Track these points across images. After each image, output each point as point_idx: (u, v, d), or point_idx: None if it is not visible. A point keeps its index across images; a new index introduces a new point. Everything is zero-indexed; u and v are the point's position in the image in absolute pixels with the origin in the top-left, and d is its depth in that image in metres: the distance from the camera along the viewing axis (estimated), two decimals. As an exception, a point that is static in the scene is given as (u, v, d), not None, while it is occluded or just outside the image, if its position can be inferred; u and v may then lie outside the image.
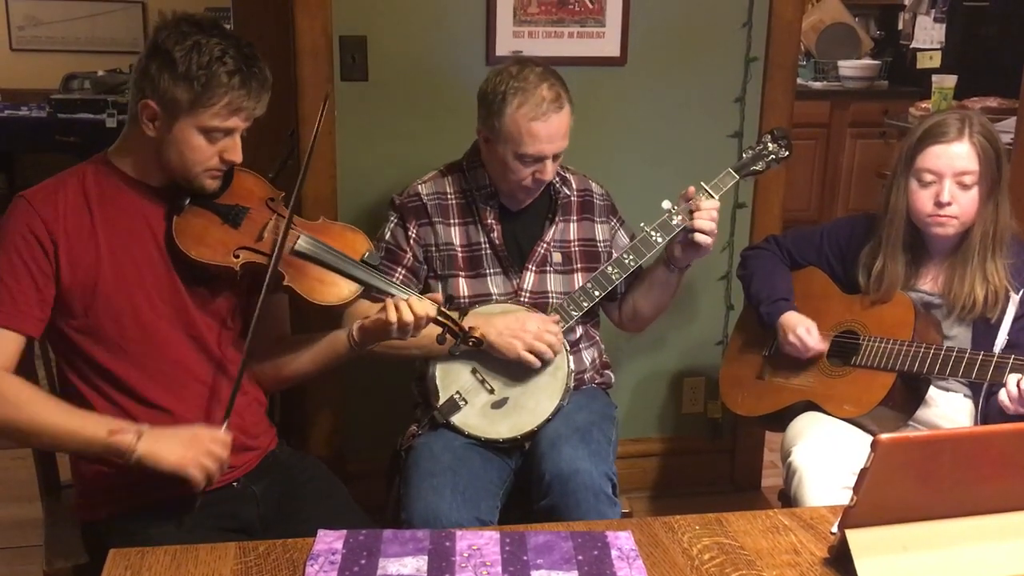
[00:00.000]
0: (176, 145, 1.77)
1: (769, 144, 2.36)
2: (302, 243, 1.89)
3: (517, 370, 2.16)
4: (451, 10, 2.69)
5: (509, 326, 2.12)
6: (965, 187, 2.13)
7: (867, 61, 6.13)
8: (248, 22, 2.95)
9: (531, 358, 2.12)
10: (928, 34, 5.79)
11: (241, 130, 1.80)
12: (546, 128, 2.11)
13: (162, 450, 1.68)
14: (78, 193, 1.80)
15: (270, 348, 2.00)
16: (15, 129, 5.80)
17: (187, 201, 1.84)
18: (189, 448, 1.69)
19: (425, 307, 1.86)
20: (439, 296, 1.93)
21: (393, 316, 1.84)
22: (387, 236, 2.27)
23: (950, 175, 2.13)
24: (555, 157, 2.16)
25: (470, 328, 1.94)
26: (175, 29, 1.75)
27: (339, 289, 1.91)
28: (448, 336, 1.92)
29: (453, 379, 2.17)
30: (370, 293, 1.95)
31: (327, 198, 2.69)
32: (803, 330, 2.25)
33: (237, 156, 1.81)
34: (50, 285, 1.76)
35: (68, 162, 1.90)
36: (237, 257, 1.84)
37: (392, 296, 1.87)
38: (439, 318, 1.90)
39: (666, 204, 2.22)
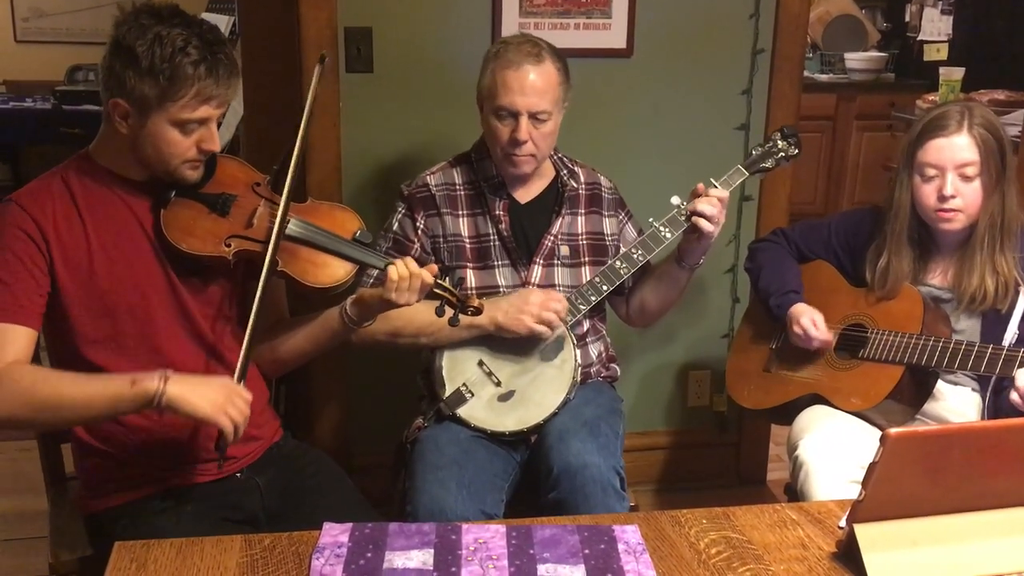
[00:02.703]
0: (151, 140, 1.75)
1: (779, 142, 2.35)
2: (292, 226, 1.88)
3: (524, 362, 2.16)
4: (457, 1, 2.68)
5: (513, 304, 2.12)
6: (968, 179, 2.12)
7: (874, 53, 6.11)
8: (253, 13, 2.94)
9: (542, 328, 2.11)
10: (935, 26, 5.78)
11: (215, 118, 1.78)
12: (518, 78, 2.10)
13: (191, 395, 1.64)
14: (64, 192, 1.79)
15: (268, 331, 2.00)
16: (20, 121, 5.80)
17: (173, 194, 1.82)
18: (218, 395, 1.66)
19: (421, 270, 1.88)
20: (434, 267, 1.93)
21: (395, 274, 1.86)
22: (395, 227, 2.26)
23: (952, 168, 2.11)
24: (535, 119, 2.12)
25: (468, 296, 1.94)
26: (135, 22, 1.71)
27: (333, 270, 1.90)
28: (446, 307, 1.92)
29: (459, 371, 2.16)
30: (364, 271, 1.95)
31: (332, 190, 2.69)
32: (807, 320, 2.24)
33: (215, 145, 1.79)
34: (46, 280, 1.75)
35: (72, 154, 1.89)
36: (228, 246, 1.83)
37: (383, 269, 1.89)
38: (435, 290, 1.90)
39: (675, 200, 2.21)
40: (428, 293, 1.91)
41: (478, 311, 1.95)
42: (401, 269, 1.87)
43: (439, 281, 1.91)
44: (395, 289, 1.87)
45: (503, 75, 2.11)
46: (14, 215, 1.75)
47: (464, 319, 1.98)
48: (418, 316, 2.08)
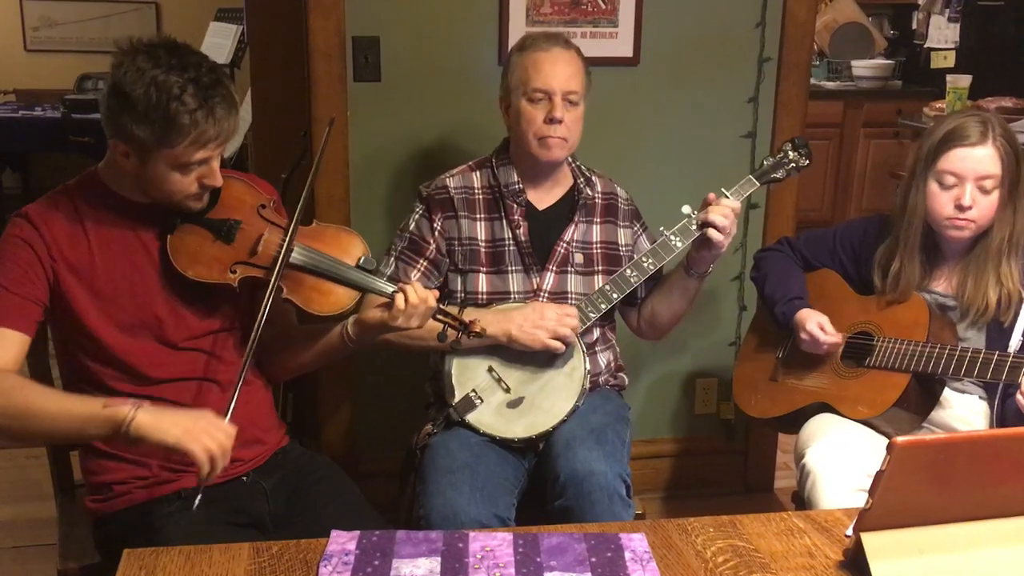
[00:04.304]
0: (153, 180, 1.76)
1: (789, 152, 2.35)
2: (296, 254, 1.87)
3: (533, 369, 2.16)
4: (464, 10, 2.69)
5: (528, 318, 2.12)
6: (986, 191, 2.12)
7: (881, 61, 6.11)
8: (261, 23, 2.96)
9: (557, 344, 2.12)
10: (942, 33, 5.77)
11: (216, 156, 1.77)
12: (549, 59, 2.16)
13: (161, 422, 1.62)
14: (71, 211, 1.81)
15: (275, 339, 2.00)
16: (30, 129, 5.81)
17: (178, 220, 1.83)
18: (193, 425, 1.64)
19: (427, 294, 1.88)
20: (436, 293, 1.93)
21: (401, 303, 1.86)
22: (412, 227, 2.27)
23: (972, 179, 2.11)
24: (567, 102, 2.15)
25: (471, 321, 1.94)
26: (131, 65, 1.69)
27: (337, 298, 1.90)
28: (449, 331, 1.92)
29: (469, 377, 2.16)
30: (367, 298, 1.95)
31: (340, 199, 2.70)
32: (813, 325, 2.24)
33: (216, 180, 1.79)
34: (44, 291, 1.76)
35: (82, 162, 1.91)
36: (234, 273, 1.84)
37: (389, 296, 1.88)
38: (438, 315, 1.90)
39: (686, 209, 2.21)
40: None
41: (480, 335, 1.97)
42: (411, 296, 1.86)
43: (441, 307, 1.91)
44: (401, 315, 1.87)
45: (534, 59, 2.16)
46: (21, 227, 1.78)
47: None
48: None
